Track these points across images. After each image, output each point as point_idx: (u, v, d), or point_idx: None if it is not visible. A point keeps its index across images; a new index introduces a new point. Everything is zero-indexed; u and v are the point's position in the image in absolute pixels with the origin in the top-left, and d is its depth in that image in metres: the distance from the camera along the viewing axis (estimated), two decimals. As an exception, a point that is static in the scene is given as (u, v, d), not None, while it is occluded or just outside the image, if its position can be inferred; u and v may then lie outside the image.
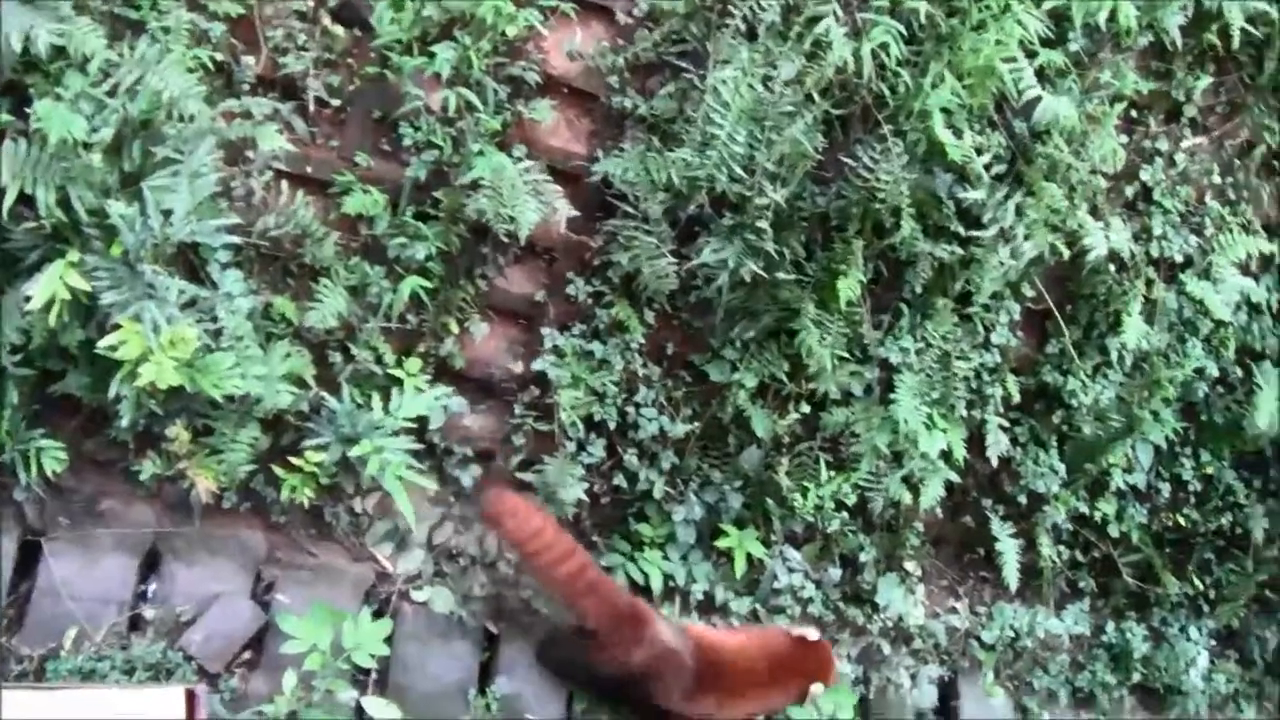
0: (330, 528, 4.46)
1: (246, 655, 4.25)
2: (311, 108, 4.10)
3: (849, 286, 4.20)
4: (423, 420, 4.29)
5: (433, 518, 4.58)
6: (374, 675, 4.28)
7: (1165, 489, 5.19)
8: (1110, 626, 5.37)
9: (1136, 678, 5.34)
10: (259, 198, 4.02)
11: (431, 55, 3.99)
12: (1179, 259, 4.85)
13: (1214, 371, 5.01)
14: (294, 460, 4.20)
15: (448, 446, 4.49)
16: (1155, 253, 4.80)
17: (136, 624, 4.14)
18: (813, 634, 4.44)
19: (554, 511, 4.37)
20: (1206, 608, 5.46)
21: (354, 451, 4.07)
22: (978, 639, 5.17)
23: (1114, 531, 5.16)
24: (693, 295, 4.38)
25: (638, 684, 4.25)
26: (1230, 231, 4.86)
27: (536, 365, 4.40)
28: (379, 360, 4.27)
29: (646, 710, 4.37)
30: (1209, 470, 5.21)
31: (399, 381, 4.26)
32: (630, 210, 4.19)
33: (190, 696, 3.59)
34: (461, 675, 4.46)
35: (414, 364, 4.30)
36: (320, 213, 4.12)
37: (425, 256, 4.15)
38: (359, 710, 4.19)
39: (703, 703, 4.31)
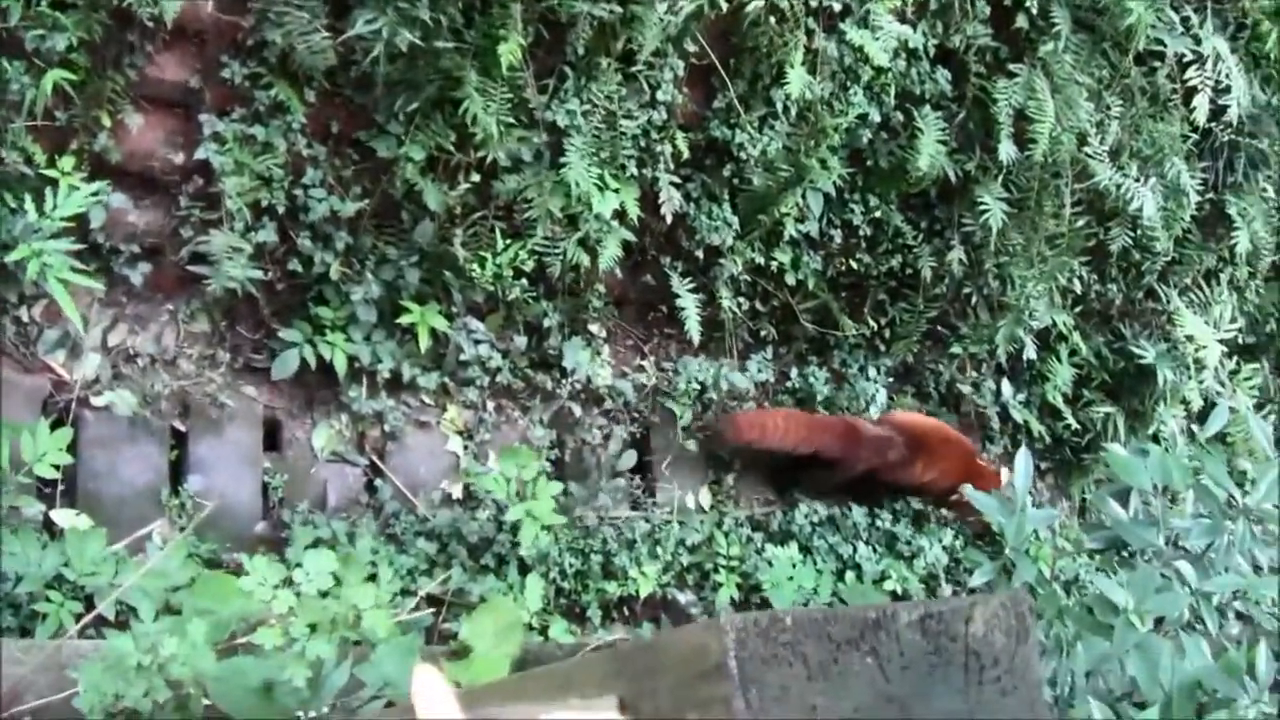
0: (-4, 340, 4.54)
1: (-80, 484, 4.33)
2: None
3: (510, 51, 4.33)
4: (83, 219, 4.36)
5: (106, 320, 4.73)
6: (60, 486, 4.41)
7: (837, 235, 5.54)
8: (794, 372, 5.88)
9: (821, 418, 5.83)
10: None
11: None
12: (838, 8, 5.03)
13: (876, 117, 5.25)
14: (-52, 274, 4.27)
15: (113, 245, 4.61)
16: (814, 2, 4.99)
17: None
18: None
19: (223, 288, 4.58)
20: (883, 347, 5.99)
21: (10, 257, 4.13)
22: (666, 394, 5.60)
23: (791, 280, 5.55)
24: (353, 70, 4.47)
25: (874, 472, 5.70)
26: (886, -22, 5.07)
27: (198, 154, 4.49)
28: (29, 161, 4.30)
29: (882, 489, 5.87)
30: (878, 214, 5.57)
31: (54, 182, 4.28)
32: (279, -15, 4.24)
33: None
34: (152, 476, 4.66)
35: (68, 162, 4.34)
36: (-55, 8, 4.07)
37: (67, 47, 4.14)
38: (48, 522, 4.35)
39: (916, 468, 5.74)
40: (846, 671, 1.30)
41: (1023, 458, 3.74)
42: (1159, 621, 3.47)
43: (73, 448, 4.45)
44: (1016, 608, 1.39)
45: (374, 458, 5.09)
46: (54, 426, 4.32)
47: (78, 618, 4.00)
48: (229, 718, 3.01)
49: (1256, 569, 3.62)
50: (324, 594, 3.23)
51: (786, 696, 1.26)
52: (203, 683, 2.97)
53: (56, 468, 4.26)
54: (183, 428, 4.81)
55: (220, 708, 3.00)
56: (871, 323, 5.95)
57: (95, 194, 4.35)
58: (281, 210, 4.64)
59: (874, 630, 1.32)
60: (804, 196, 5.31)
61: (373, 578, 4.45)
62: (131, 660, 2.91)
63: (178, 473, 4.77)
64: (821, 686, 1.29)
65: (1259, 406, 6.70)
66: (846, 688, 1.30)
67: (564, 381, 5.35)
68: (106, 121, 4.46)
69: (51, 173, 4.34)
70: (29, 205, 4.21)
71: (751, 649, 1.25)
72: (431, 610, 4.51)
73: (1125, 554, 4.05)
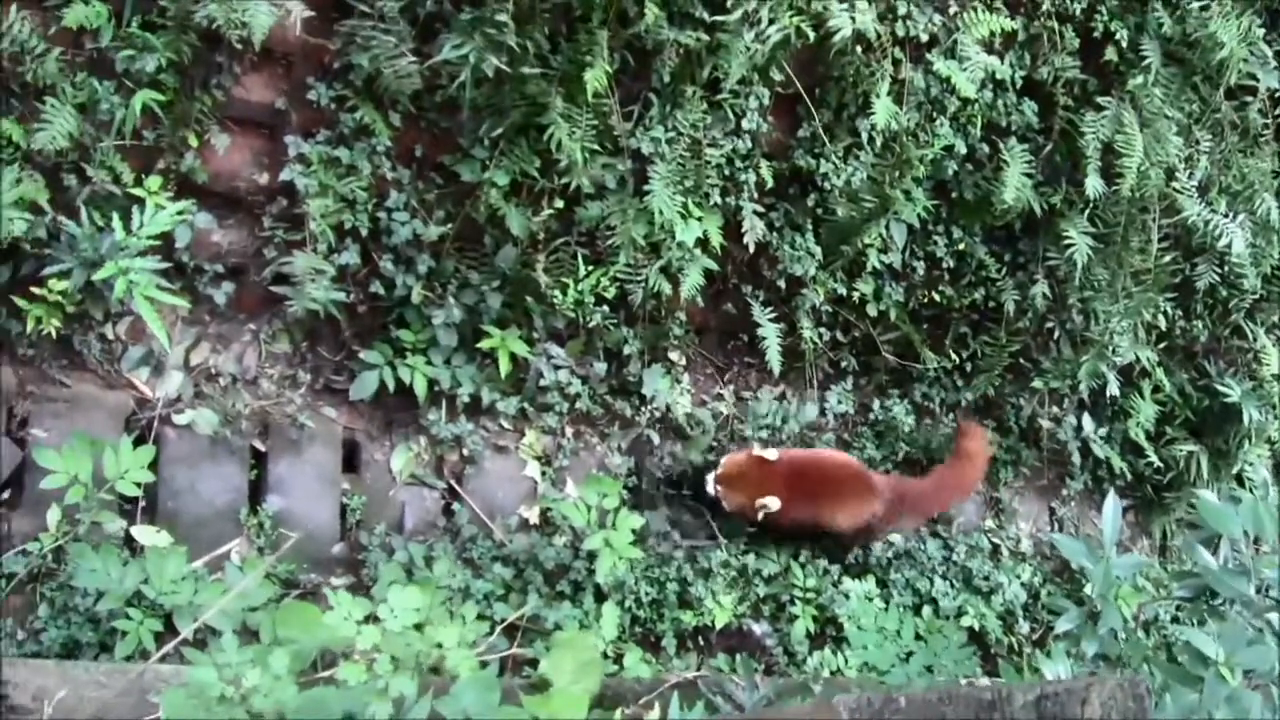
0: (82, 357, 4.59)
1: (5, 495, 4.38)
2: (17, -82, 4.04)
3: (596, 78, 4.33)
4: (169, 238, 4.39)
5: (189, 339, 4.75)
6: (142, 503, 4.44)
7: (920, 267, 5.48)
8: (874, 403, 5.80)
9: (902, 451, 5.78)
10: (-32, 16, 3.97)
11: None
12: (925, 38, 4.98)
13: (962, 149, 5.20)
14: (36, 290, 4.31)
15: (198, 264, 4.63)
16: (901, 32, 4.93)
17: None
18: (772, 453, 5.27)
19: (305, 309, 4.59)
20: (963, 380, 5.89)
21: (98, 275, 4.17)
22: (743, 425, 5.55)
23: (872, 311, 5.49)
24: (438, 95, 4.48)
25: None
26: (974, 10, 4.99)
27: (283, 175, 4.50)
28: (117, 180, 4.35)
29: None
30: (961, 246, 5.51)
31: (140, 201, 4.33)
32: (367, 9, 4.25)
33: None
34: (232, 496, 4.68)
35: (155, 182, 4.38)
36: (40, 27, 4.12)
37: (156, 69, 4.19)
38: (128, 539, 4.37)
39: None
40: (962, 752, 1.24)
41: (1111, 503, 3.64)
42: (1248, 673, 3.35)
43: (154, 465, 4.47)
44: (1134, 690, 1.34)
45: (452, 481, 5.07)
46: (136, 444, 4.36)
47: (157, 636, 3.98)
48: (310, 748, 2.97)
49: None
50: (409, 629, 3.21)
51: (901, 779, 1.21)
52: (284, 714, 2.93)
53: (138, 485, 4.30)
54: (262, 447, 4.82)
55: (301, 738, 2.97)
56: (953, 355, 5.86)
57: (181, 213, 4.39)
58: (365, 233, 4.65)
59: (989, 711, 1.27)
60: (888, 227, 5.26)
61: (450, 599, 4.43)
62: (214, 690, 2.88)
63: (257, 492, 4.78)
64: (937, 768, 1.23)
65: (1346, 448, 6.54)
66: (962, 769, 1.24)
67: (643, 409, 5.33)
68: (193, 142, 4.49)
69: (139, 192, 4.38)
70: (116, 224, 4.25)
71: (865, 731, 1.20)
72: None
73: (1213, 603, 3.92)
